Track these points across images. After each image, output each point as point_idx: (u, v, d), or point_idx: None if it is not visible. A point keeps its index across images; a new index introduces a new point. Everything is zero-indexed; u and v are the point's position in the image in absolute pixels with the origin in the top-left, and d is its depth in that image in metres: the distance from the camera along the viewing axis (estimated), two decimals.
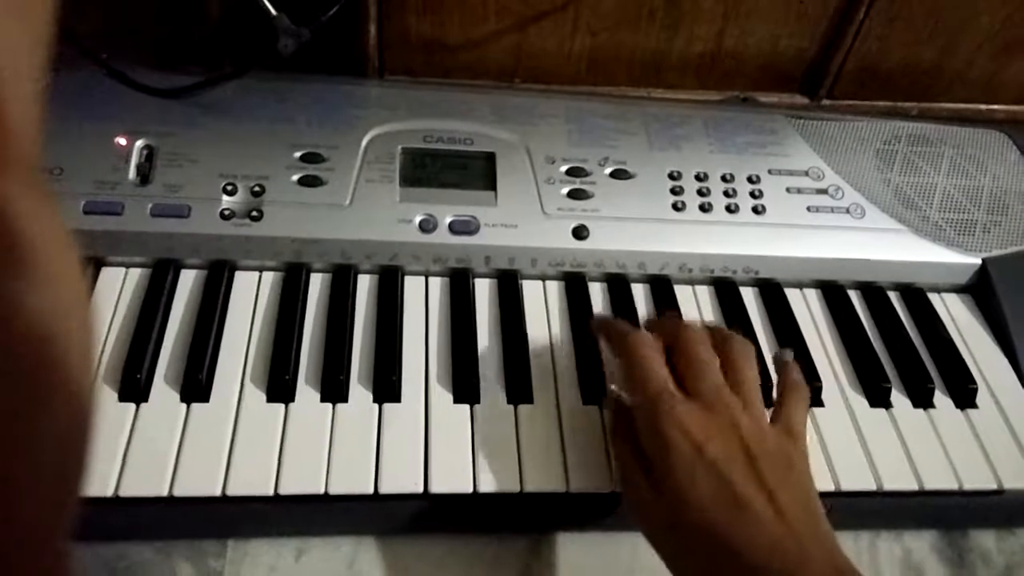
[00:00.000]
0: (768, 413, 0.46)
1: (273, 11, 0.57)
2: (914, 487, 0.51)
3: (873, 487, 0.51)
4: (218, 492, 0.45)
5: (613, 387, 0.51)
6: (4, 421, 0.23)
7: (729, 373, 0.46)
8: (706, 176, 0.63)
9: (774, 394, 0.49)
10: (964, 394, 0.56)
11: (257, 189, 0.56)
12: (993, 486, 0.52)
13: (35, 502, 0.24)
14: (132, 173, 0.56)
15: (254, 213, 0.56)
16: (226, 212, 0.55)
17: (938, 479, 0.52)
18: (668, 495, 0.42)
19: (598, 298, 0.59)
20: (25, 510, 0.24)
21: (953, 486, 0.52)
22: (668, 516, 0.42)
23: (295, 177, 0.57)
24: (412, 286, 0.58)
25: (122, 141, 0.57)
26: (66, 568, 0.26)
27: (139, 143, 0.57)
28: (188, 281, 0.55)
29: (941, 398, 0.56)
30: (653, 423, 0.43)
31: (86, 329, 0.27)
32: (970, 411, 0.56)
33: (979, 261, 0.63)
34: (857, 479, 0.51)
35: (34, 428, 0.24)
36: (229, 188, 0.56)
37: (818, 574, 0.38)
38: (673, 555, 0.42)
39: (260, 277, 0.56)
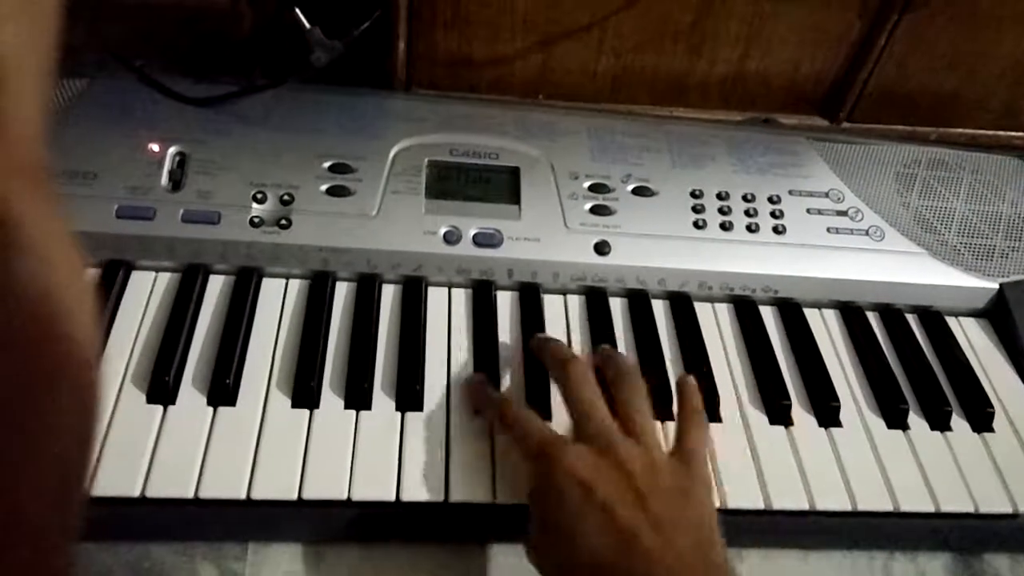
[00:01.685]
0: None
1: (307, 24, 0.58)
2: (930, 509, 0.51)
3: (889, 508, 0.51)
4: (243, 495, 0.46)
5: None
6: (7, 395, 0.23)
7: (620, 409, 0.46)
8: (727, 195, 0.63)
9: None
10: (981, 418, 0.57)
11: (286, 198, 0.57)
12: (1009, 510, 0.52)
13: (39, 491, 0.25)
14: (164, 179, 0.57)
15: (283, 221, 0.56)
16: (255, 220, 0.56)
17: (954, 502, 0.52)
18: (560, 541, 0.42)
19: (618, 313, 0.60)
20: (28, 498, 0.24)
21: (969, 509, 0.52)
22: (562, 561, 0.42)
23: (324, 187, 0.58)
24: (435, 297, 0.58)
25: (155, 148, 0.58)
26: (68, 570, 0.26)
27: (172, 150, 0.58)
28: (216, 287, 0.56)
29: (958, 421, 0.57)
30: (543, 474, 0.43)
31: (87, 308, 0.27)
32: (987, 435, 0.56)
33: (996, 286, 0.63)
34: (873, 499, 0.51)
35: (39, 404, 0.24)
36: (259, 196, 0.57)
37: None
38: None
39: (287, 284, 0.57)
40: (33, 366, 0.24)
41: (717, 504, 0.48)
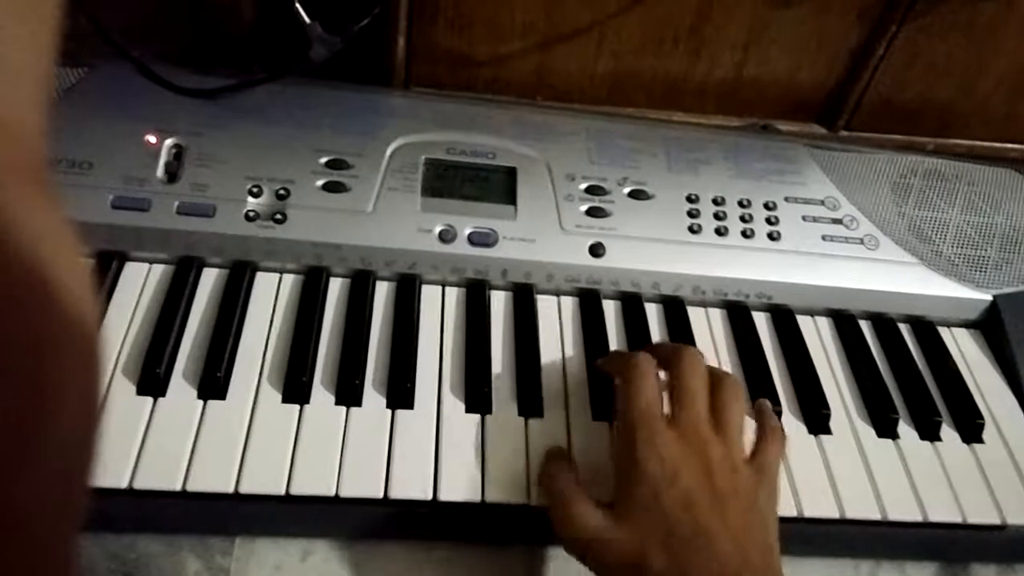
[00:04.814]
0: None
1: (307, 19, 0.58)
2: (918, 518, 0.52)
3: (877, 516, 0.51)
4: (231, 489, 0.46)
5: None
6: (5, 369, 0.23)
7: (716, 411, 0.47)
8: (723, 200, 0.63)
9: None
10: (971, 428, 0.57)
11: (282, 192, 0.57)
12: (996, 521, 0.52)
13: (40, 480, 0.24)
14: (160, 171, 0.57)
15: (278, 216, 0.56)
16: (251, 213, 0.56)
17: (942, 511, 0.52)
18: (631, 522, 0.42)
19: (612, 315, 0.60)
20: (29, 487, 0.24)
21: (957, 519, 0.52)
22: (628, 546, 0.42)
23: (320, 182, 0.58)
24: (429, 295, 0.58)
25: (152, 139, 0.58)
26: (71, 567, 0.26)
27: (168, 142, 0.58)
28: (210, 280, 0.56)
29: (948, 431, 0.57)
30: (631, 443, 0.44)
31: (87, 299, 0.26)
32: (976, 445, 0.56)
33: (990, 297, 0.64)
34: (861, 507, 0.51)
35: (41, 378, 0.24)
36: (255, 190, 0.57)
37: None
38: None
39: (280, 279, 0.57)
40: (32, 355, 0.24)
41: None
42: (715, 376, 0.49)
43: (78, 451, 0.26)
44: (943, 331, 0.64)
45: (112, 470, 0.45)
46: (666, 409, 0.47)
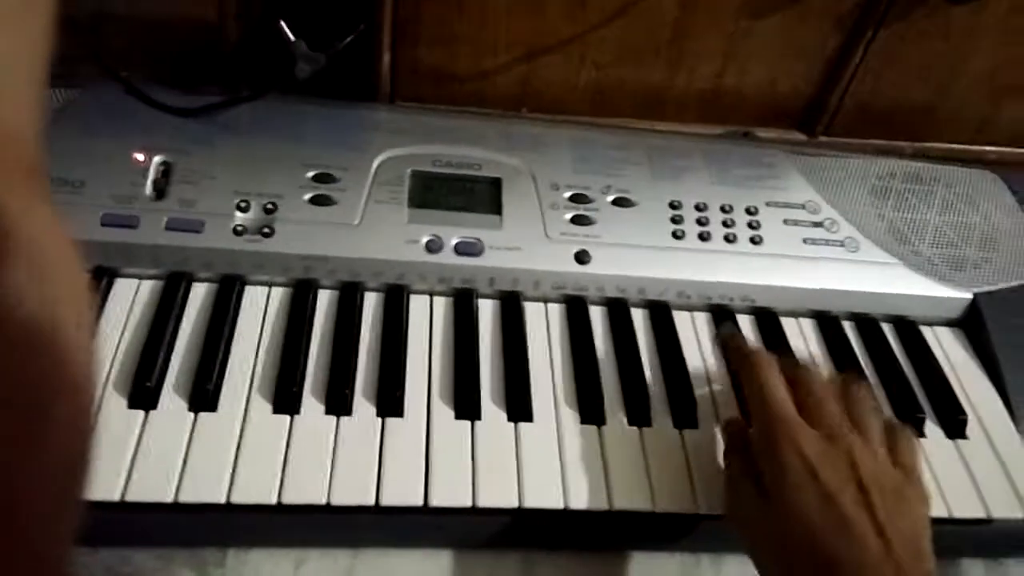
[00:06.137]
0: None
1: (292, 37, 0.59)
2: None
3: None
4: (223, 500, 0.46)
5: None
6: (5, 414, 0.23)
7: (851, 414, 0.48)
8: (706, 207, 0.64)
9: None
10: (954, 424, 0.58)
11: (270, 207, 0.58)
12: (982, 515, 0.53)
13: (36, 499, 0.24)
14: (149, 188, 0.58)
15: (266, 230, 0.57)
16: (239, 228, 0.57)
17: None
18: (777, 510, 0.43)
19: (598, 321, 0.60)
20: (25, 505, 0.24)
21: (943, 514, 0.52)
22: (775, 530, 0.43)
23: (307, 196, 0.59)
24: (417, 305, 0.59)
25: (140, 157, 0.59)
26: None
27: (156, 159, 0.59)
28: (199, 294, 0.57)
29: (932, 428, 0.58)
30: (773, 444, 0.45)
31: (84, 319, 0.27)
32: (960, 441, 0.57)
33: (970, 296, 0.64)
34: None
35: (37, 424, 0.24)
36: (242, 205, 0.58)
37: None
38: (775, 569, 0.44)
39: (269, 292, 0.58)
40: (30, 362, 0.24)
41: (683, 510, 0.49)
42: (844, 385, 0.50)
43: (72, 468, 0.27)
44: (925, 330, 0.65)
45: (104, 483, 0.45)
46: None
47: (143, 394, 0.50)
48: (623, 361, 0.58)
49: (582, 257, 0.60)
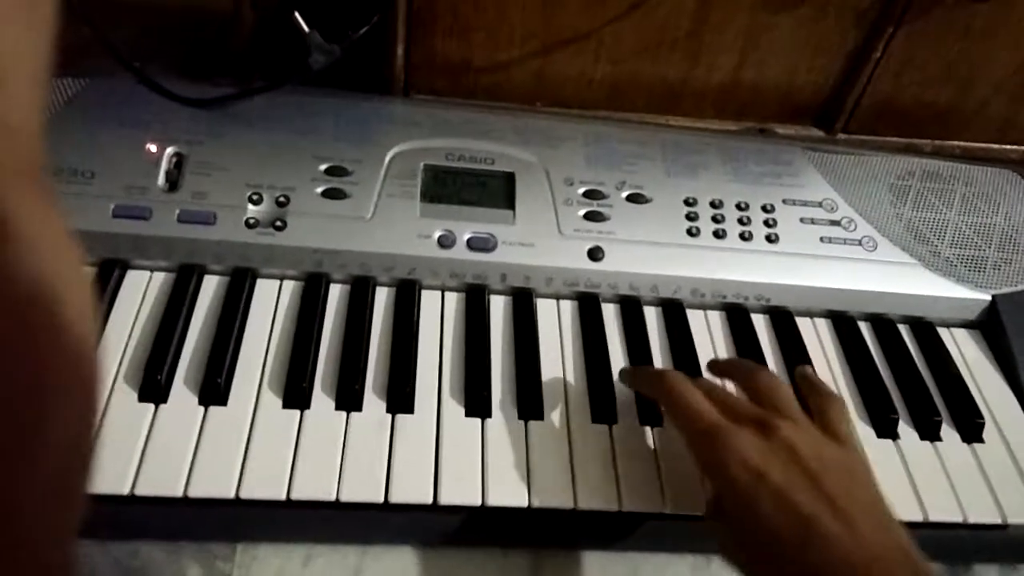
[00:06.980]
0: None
1: (306, 28, 0.59)
2: (919, 518, 0.51)
3: None
4: (232, 494, 0.46)
5: None
6: (5, 395, 0.23)
7: (765, 399, 0.47)
8: (721, 203, 0.64)
9: None
10: (971, 428, 0.57)
11: (282, 199, 0.58)
12: (998, 520, 0.52)
13: (36, 488, 0.24)
14: (161, 179, 0.57)
15: (278, 223, 0.57)
16: (251, 221, 0.57)
17: (943, 511, 0.52)
18: (737, 526, 0.43)
19: (611, 319, 0.60)
20: (25, 496, 0.24)
21: (957, 519, 0.52)
22: (741, 546, 0.43)
23: (319, 189, 0.59)
24: (429, 300, 0.59)
25: (152, 148, 0.58)
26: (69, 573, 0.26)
27: (169, 151, 0.59)
28: (211, 287, 0.57)
29: (948, 431, 0.57)
30: (711, 458, 0.44)
31: (85, 316, 0.26)
32: (976, 445, 0.56)
33: (989, 297, 0.64)
34: None
35: (37, 401, 0.24)
36: (255, 198, 0.57)
37: None
38: None
39: (281, 285, 0.58)
40: (30, 360, 0.24)
41: (693, 512, 0.49)
42: (745, 373, 0.49)
43: (75, 461, 0.26)
44: (942, 331, 0.64)
45: (114, 477, 0.45)
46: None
47: (153, 387, 0.50)
48: (636, 359, 0.57)
49: (595, 254, 0.60)
